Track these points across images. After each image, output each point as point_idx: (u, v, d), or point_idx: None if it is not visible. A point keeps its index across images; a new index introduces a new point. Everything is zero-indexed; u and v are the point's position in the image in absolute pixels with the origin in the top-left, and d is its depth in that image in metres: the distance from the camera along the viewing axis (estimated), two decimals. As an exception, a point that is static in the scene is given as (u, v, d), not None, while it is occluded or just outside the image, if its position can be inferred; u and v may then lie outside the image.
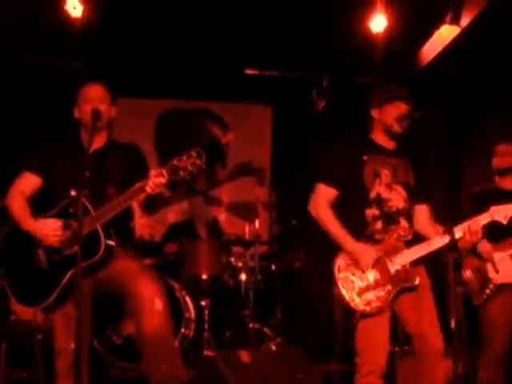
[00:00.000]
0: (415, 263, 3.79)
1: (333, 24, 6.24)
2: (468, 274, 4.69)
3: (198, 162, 3.58)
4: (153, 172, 3.62)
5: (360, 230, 3.84)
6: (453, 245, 3.59)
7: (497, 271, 4.54)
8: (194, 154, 3.58)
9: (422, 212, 3.98)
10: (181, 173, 3.58)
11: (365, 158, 3.89)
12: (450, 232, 3.61)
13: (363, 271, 3.75)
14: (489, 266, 4.58)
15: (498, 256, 4.55)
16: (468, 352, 4.56)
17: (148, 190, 3.60)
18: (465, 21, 6.11)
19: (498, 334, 4.55)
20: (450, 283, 3.44)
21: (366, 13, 6.01)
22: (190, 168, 3.57)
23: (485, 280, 4.56)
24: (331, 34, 6.43)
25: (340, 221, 3.84)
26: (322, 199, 3.90)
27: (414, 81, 6.94)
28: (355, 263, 3.77)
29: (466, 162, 6.91)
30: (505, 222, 3.73)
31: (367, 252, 3.75)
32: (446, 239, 3.65)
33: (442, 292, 3.97)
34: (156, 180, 3.59)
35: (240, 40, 6.74)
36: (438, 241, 3.73)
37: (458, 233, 3.71)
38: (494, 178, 4.85)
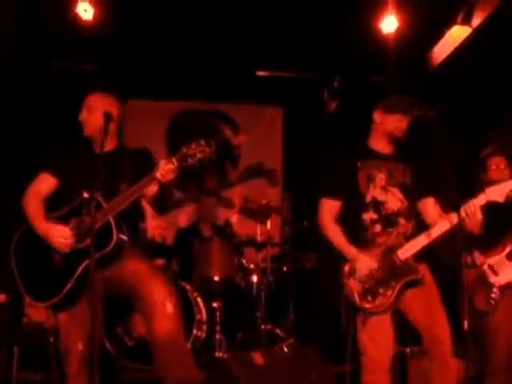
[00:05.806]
0: (418, 258, 3.80)
1: (344, 24, 6.23)
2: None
3: (206, 149, 3.63)
4: (162, 161, 3.65)
5: (360, 234, 3.89)
6: (455, 228, 3.59)
7: (496, 274, 4.49)
8: (202, 142, 3.63)
9: (430, 205, 3.97)
10: (189, 160, 3.62)
11: (359, 164, 3.94)
12: (450, 215, 3.65)
13: (368, 272, 3.79)
14: (488, 272, 4.51)
15: (493, 260, 4.50)
16: (480, 353, 4.50)
17: (158, 176, 3.61)
18: (476, 21, 6.10)
19: (501, 337, 4.43)
20: (462, 285, 3.42)
21: (377, 13, 6.00)
22: (198, 155, 3.62)
23: (487, 285, 4.50)
24: (342, 35, 6.43)
25: (343, 232, 3.92)
26: (327, 215, 3.98)
27: (426, 81, 6.94)
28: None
29: (478, 162, 6.87)
30: (502, 200, 3.67)
31: (363, 261, 3.80)
32: (446, 225, 3.68)
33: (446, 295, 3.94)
34: (166, 167, 3.61)
35: (251, 41, 6.75)
36: (438, 228, 3.72)
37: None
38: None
